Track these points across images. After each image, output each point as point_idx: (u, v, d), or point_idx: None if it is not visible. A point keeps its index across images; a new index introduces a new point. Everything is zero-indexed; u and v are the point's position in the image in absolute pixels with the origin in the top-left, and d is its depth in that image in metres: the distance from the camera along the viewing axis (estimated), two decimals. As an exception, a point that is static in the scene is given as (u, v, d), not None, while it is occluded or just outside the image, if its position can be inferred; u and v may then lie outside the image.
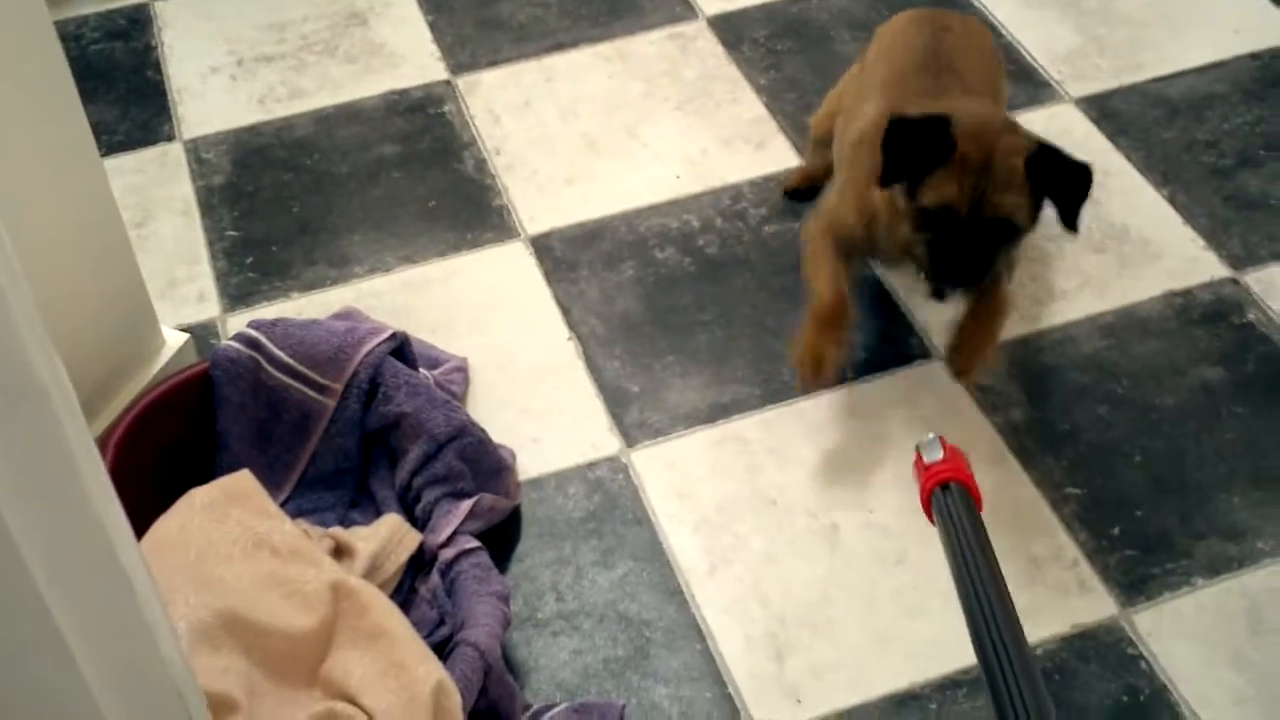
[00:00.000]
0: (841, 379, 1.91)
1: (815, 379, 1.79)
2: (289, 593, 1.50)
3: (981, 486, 1.75)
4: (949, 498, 1.24)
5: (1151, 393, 1.89)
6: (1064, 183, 1.69)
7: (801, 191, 2.19)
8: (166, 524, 1.57)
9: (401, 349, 1.81)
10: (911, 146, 1.66)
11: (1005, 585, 1.13)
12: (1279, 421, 1.85)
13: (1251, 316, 1.98)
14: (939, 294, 1.75)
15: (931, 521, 1.24)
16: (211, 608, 1.44)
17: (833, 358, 1.78)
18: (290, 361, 1.77)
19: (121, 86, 2.48)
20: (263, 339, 1.78)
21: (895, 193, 1.72)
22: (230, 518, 1.58)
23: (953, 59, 1.88)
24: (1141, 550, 1.72)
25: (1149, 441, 1.84)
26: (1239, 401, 1.87)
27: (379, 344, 1.77)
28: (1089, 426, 1.85)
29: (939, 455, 1.29)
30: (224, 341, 1.79)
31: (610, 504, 1.81)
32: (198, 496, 1.60)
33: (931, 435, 1.29)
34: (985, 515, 1.71)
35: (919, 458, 1.30)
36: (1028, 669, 1.03)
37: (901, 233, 1.73)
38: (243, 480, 1.63)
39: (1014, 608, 1.10)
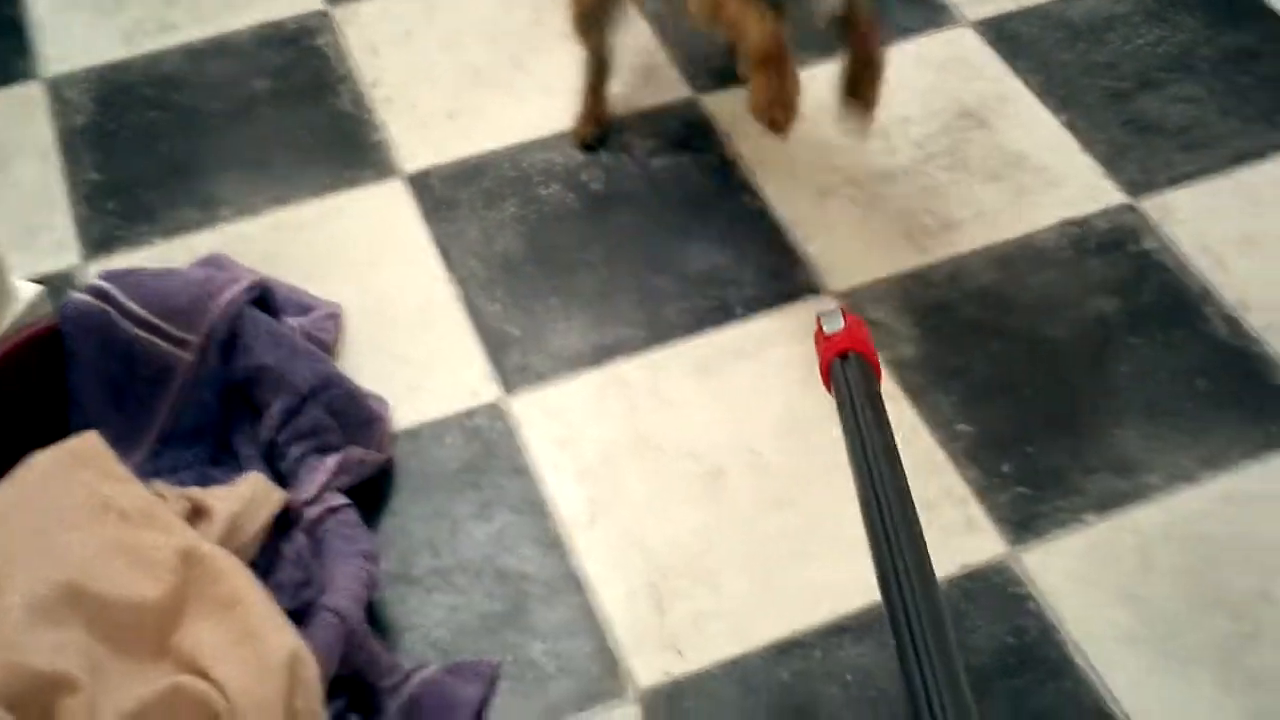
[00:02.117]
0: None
1: (785, 123, 1.69)
2: (136, 560, 1.42)
3: (870, 426, 1.72)
4: (847, 368, 1.21)
5: (1045, 325, 1.84)
6: None
7: (602, 139, 2.09)
8: (6, 490, 1.48)
9: (264, 298, 1.73)
10: None
11: (900, 461, 1.11)
12: (1173, 352, 1.80)
13: (1148, 244, 1.93)
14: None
15: (830, 393, 1.21)
16: (50, 580, 1.36)
17: (792, 96, 1.68)
18: (144, 313, 1.67)
19: (-26, 22, 2.35)
20: (114, 290, 1.68)
21: None
22: (75, 481, 1.49)
23: None
24: (1032, 487, 1.67)
25: (1042, 376, 1.79)
26: (1134, 332, 1.83)
27: (238, 293, 1.68)
28: (981, 362, 1.80)
29: (839, 325, 1.26)
30: (74, 294, 1.70)
31: (489, 453, 1.74)
32: (40, 460, 1.51)
33: (833, 305, 1.27)
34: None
35: (819, 328, 1.27)
36: (920, 561, 1.00)
37: None
38: (89, 441, 1.54)
39: (907, 484, 1.08)
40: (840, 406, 1.19)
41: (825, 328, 1.26)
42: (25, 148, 2.14)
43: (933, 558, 1.56)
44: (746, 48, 1.69)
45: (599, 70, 2.07)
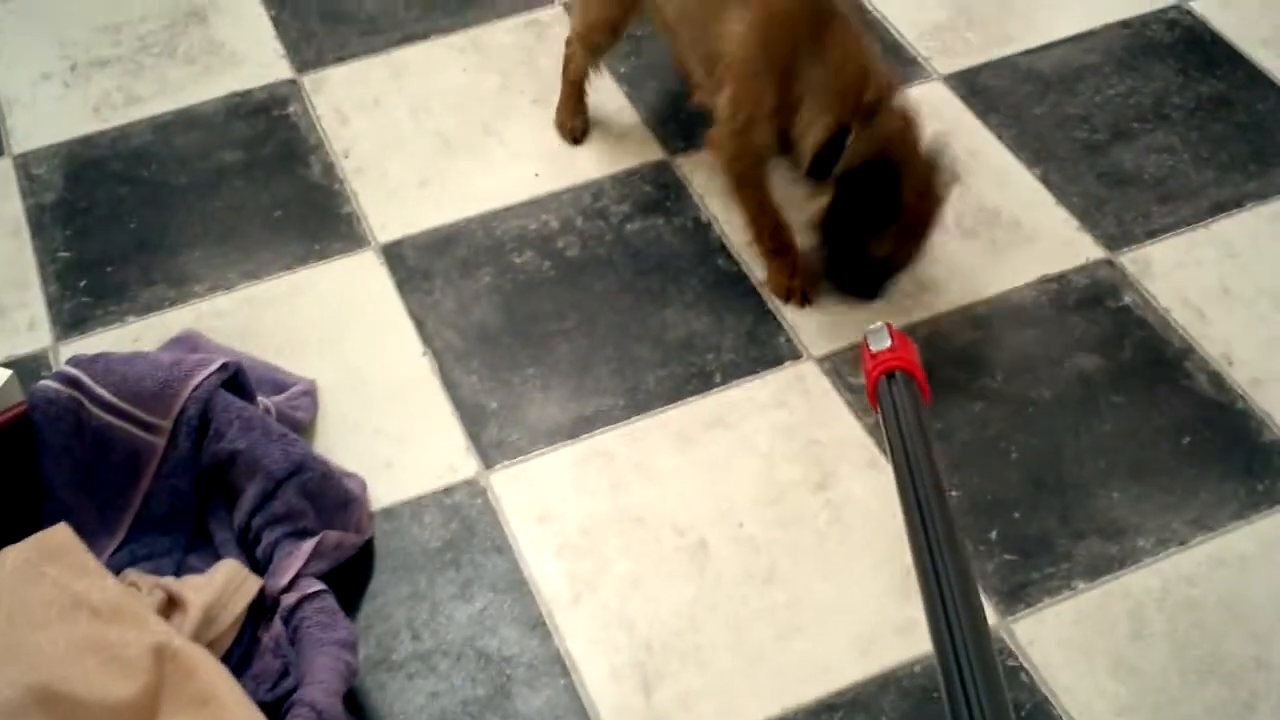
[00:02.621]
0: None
1: (808, 300, 1.93)
2: (109, 659, 1.39)
3: (853, 493, 1.71)
4: (894, 387, 1.19)
5: (1027, 385, 1.82)
6: None
7: (589, 127, 2.20)
8: (-26, 589, 1.44)
9: (236, 378, 1.70)
10: (863, 196, 1.80)
11: (941, 479, 1.10)
12: (1157, 410, 1.79)
13: (1128, 299, 1.92)
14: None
15: (877, 412, 1.21)
16: (19, 684, 1.33)
17: (805, 280, 1.92)
18: (113, 399, 1.65)
19: (-57, 99, 2.33)
20: (83, 376, 1.65)
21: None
22: (45, 578, 1.46)
23: None
24: (1020, 554, 1.65)
25: (1026, 437, 1.77)
26: (1117, 390, 1.81)
27: (208, 376, 1.65)
28: (963, 424, 1.78)
29: (886, 344, 1.24)
30: (42, 381, 1.67)
31: (468, 531, 1.71)
32: (9, 556, 1.48)
33: (879, 323, 1.25)
34: (860, 521, 1.66)
35: (866, 346, 1.26)
36: (961, 565, 1.00)
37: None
38: (58, 534, 1.51)
39: (948, 504, 1.07)
40: (886, 428, 1.18)
41: (871, 345, 1.25)
42: (-5, 226, 2.12)
43: (923, 629, 1.55)
44: (750, 232, 1.96)
45: (584, 79, 2.18)
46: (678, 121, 2.20)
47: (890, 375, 1.21)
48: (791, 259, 1.94)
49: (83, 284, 2.02)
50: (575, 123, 2.18)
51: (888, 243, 1.83)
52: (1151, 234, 2.00)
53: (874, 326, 1.26)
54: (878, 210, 1.79)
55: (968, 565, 1.01)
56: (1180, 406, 1.79)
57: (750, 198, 1.93)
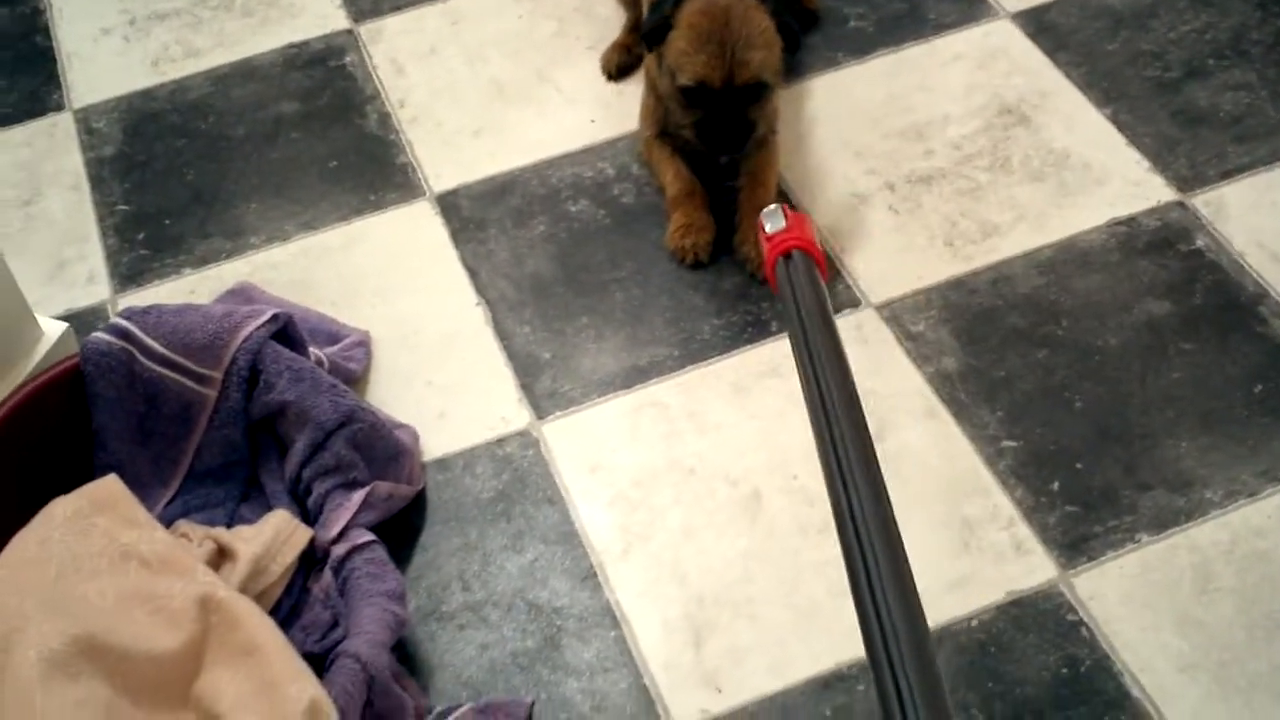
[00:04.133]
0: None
1: (694, 253, 1.88)
2: (155, 609, 1.40)
3: (911, 443, 1.67)
4: (791, 267, 1.17)
5: (1094, 333, 1.77)
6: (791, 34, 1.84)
7: (626, 67, 2.17)
8: (26, 539, 1.45)
9: (287, 330, 1.69)
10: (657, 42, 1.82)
11: (847, 364, 1.07)
12: (1229, 357, 1.73)
13: (1200, 243, 1.85)
14: (716, 158, 1.88)
15: (777, 294, 1.18)
16: (67, 634, 1.33)
17: (701, 241, 1.88)
18: (165, 351, 1.65)
19: (8, 54, 2.34)
20: (134, 329, 1.66)
21: (664, 82, 1.85)
22: (96, 529, 1.47)
23: None
24: (1083, 506, 1.60)
25: (1091, 386, 1.71)
26: (1187, 337, 1.75)
27: (258, 327, 1.65)
28: (1026, 373, 1.73)
29: (781, 224, 1.21)
30: (94, 334, 1.67)
31: (520, 482, 1.70)
32: (60, 507, 1.49)
33: (774, 205, 1.22)
34: (916, 473, 1.63)
35: (761, 228, 1.24)
36: (862, 447, 0.98)
37: (676, 116, 1.86)
38: (109, 486, 1.52)
39: (855, 391, 1.05)
40: (785, 310, 1.15)
41: (767, 227, 1.22)
42: (56, 180, 2.13)
43: (978, 584, 1.52)
44: (666, 195, 1.94)
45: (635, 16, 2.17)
46: (736, 65, 2.15)
47: (788, 256, 1.18)
48: (690, 215, 1.90)
49: (140, 237, 2.02)
50: (617, 56, 2.18)
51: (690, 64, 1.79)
52: (1226, 175, 1.93)
53: (769, 209, 1.23)
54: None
55: (869, 447, 0.99)
56: (1253, 354, 1.73)
57: (662, 160, 1.97)
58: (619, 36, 2.19)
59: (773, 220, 1.23)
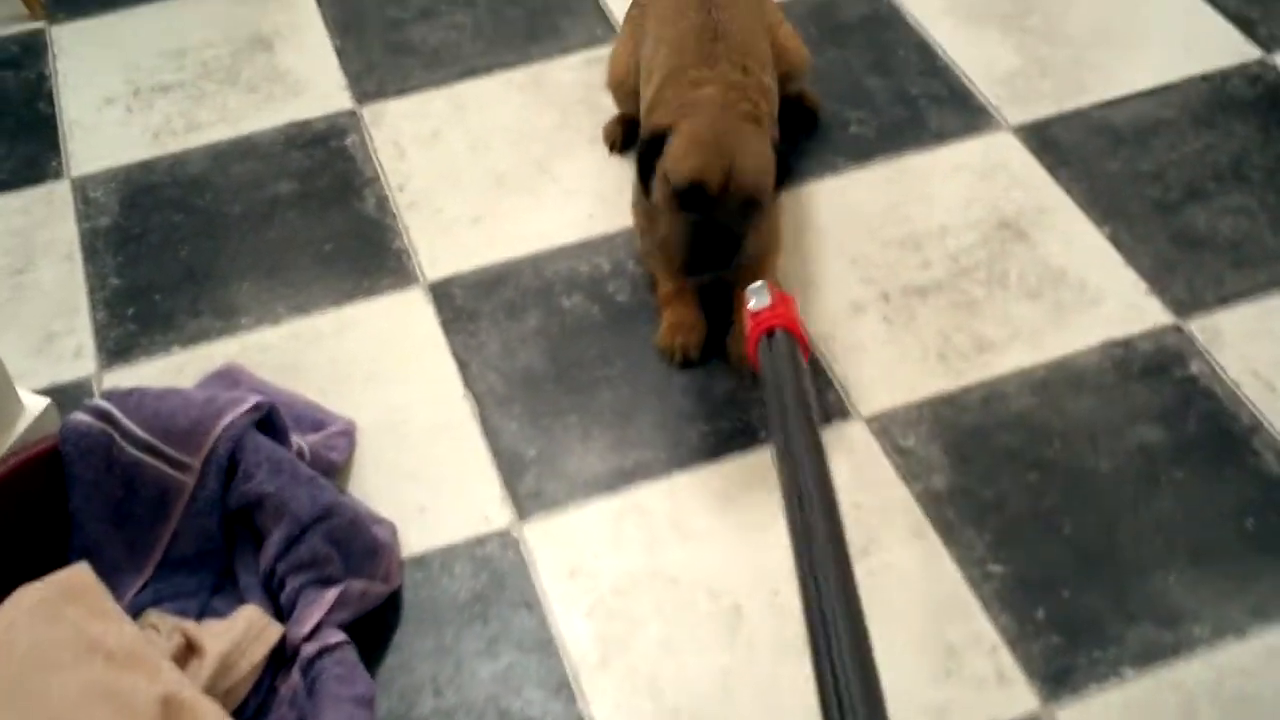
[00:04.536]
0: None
1: (684, 352, 1.88)
2: (119, 708, 1.37)
3: (898, 563, 1.65)
4: (773, 346, 1.15)
5: (1085, 456, 1.75)
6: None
7: (625, 141, 2.19)
8: (-10, 628, 1.43)
9: (270, 417, 1.67)
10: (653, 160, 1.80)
11: (823, 446, 1.08)
12: (1221, 488, 1.71)
13: (1195, 369, 1.84)
14: (699, 275, 1.80)
15: (759, 373, 1.17)
16: (26, 730, 1.30)
17: (692, 340, 1.88)
18: (145, 435, 1.63)
19: (10, 119, 2.34)
20: (115, 411, 1.64)
21: (658, 191, 1.80)
22: (63, 619, 1.44)
23: (724, 25, 1.93)
24: (1068, 636, 1.58)
25: (1081, 512, 1.69)
26: (1179, 466, 1.73)
27: (239, 415, 1.63)
28: (1016, 495, 1.71)
29: (766, 302, 1.20)
30: (74, 414, 1.65)
31: (498, 585, 1.67)
32: (28, 594, 1.46)
33: (760, 281, 1.21)
34: (899, 593, 1.60)
35: (745, 305, 1.24)
36: (834, 529, 1.01)
37: (664, 227, 1.79)
38: (79, 575, 1.49)
39: (830, 480, 1.06)
40: (765, 390, 1.14)
41: (751, 303, 1.21)
42: (50, 249, 2.12)
43: (959, 712, 1.49)
44: (657, 288, 1.94)
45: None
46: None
47: (770, 334, 1.17)
48: (680, 314, 1.90)
49: (130, 312, 2.01)
50: (618, 130, 2.20)
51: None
52: (1223, 300, 1.92)
53: (754, 285, 1.23)
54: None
55: (840, 531, 1.00)
56: (1245, 486, 1.71)
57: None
58: (617, 116, 2.20)
59: (758, 297, 1.22)
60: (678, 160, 1.75)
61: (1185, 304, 1.91)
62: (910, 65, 2.29)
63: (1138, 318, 1.90)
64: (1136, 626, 1.58)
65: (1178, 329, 1.89)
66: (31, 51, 2.47)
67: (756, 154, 1.75)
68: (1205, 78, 2.23)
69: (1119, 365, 1.85)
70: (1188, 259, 1.97)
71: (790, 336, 1.18)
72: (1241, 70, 2.24)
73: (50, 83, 2.40)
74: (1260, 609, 1.59)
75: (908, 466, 1.75)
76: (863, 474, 1.74)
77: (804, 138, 2.18)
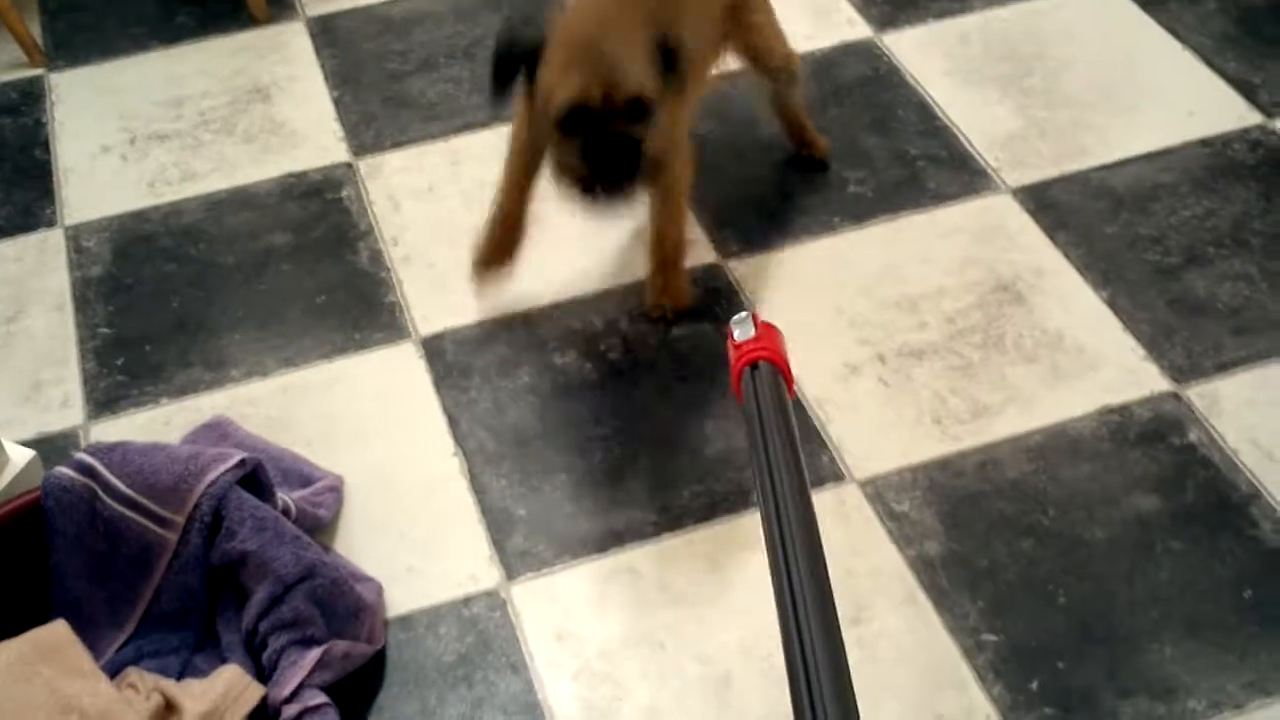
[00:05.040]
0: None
1: (484, 281, 1.98)
2: (91, 770, 1.34)
3: (889, 628, 1.62)
4: (756, 378, 1.13)
5: (1081, 525, 1.73)
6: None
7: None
8: (-36, 686, 1.40)
9: (255, 474, 1.65)
10: (517, 56, 1.72)
11: (806, 483, 1.05)
12: (1218, 560, 1.68)
13: (1193, 437, 1.82)
14: (609, 194, 1.73)
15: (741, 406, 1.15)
16: (-5, 794, 1.27)
17: (502, 267, 1.98)
18: (128, 491, 1.61)
19: (6, 166, 2.34)
20: (99, 466, 1.62)
21: (540, 123, 1.72)
22: (38, 678, 1.42)
23: None
24: (1061, 709, 1.55)
25: (1076, 581, 1.67)
26: (1176, 536, 1.71)
27: (224, 472, 1.61)
28: (1011, 563, 1.69)
29: (750, 333, 1.18)
30: (57, 469, 1.63)
31: (484, 646, 1.65)
32: (2, 651, 1.44)
33: (745, 312, 1.19)
34: (891, 660, 1.57)
35: (730, 336, 1.21)
36: (816, 569, 0.98)
37: (558, 155, 1.73)
38: (56, 632, 1.47)
39: (813, 515, 1.03)
40: (748, 422, 1.12)
41: (736, 335, 1.19)
42: (41, 298, 2.10)
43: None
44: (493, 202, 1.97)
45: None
46: (734, 225, 2.14)
47: (754, 366, 1.15)
48: (504, 245, 1.97)
49: (120, 362, 1.99)
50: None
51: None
52: (1222, 367, 1.90)
53: (739, 316, 1.21)
54: None
55: (823, 569, 0.98)
56: (1243, 557, 1.68)
57: (509, 172, 1.96)
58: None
59: (742, 328, 1.21)
60: (552, 86, 1.66)
61: (1184, 371, 1.90)
62: (909, 125, 2.28)
63: (1135, 384, 1.88)
64: (1131, 700, 1.55)
65: (1176, 396, 1.87)
66: (30, 98, 2.47)
67: (632, 49, 1.65)
68: (1205, 142, 2.23)
69: (1116, 432, 1.83)
70: (1187, 325, 1.96)
71: (775, 369, 1.16)
72: (1242, 135, 2.23)
73: (47, 129, 2.40)
74: (1259, 684, 1.56)
75: (901, 532, 1.72)
76: (856, 539, 1.72)
77: (808, 191, 2.17)
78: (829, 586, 0.96)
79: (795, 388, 1.22)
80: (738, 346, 1.19)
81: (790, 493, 1.02)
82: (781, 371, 1.17)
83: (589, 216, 1.84)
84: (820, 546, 1.00)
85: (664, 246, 1.98)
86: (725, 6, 1.97)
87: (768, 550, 0.98)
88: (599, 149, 1.67)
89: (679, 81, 1.72)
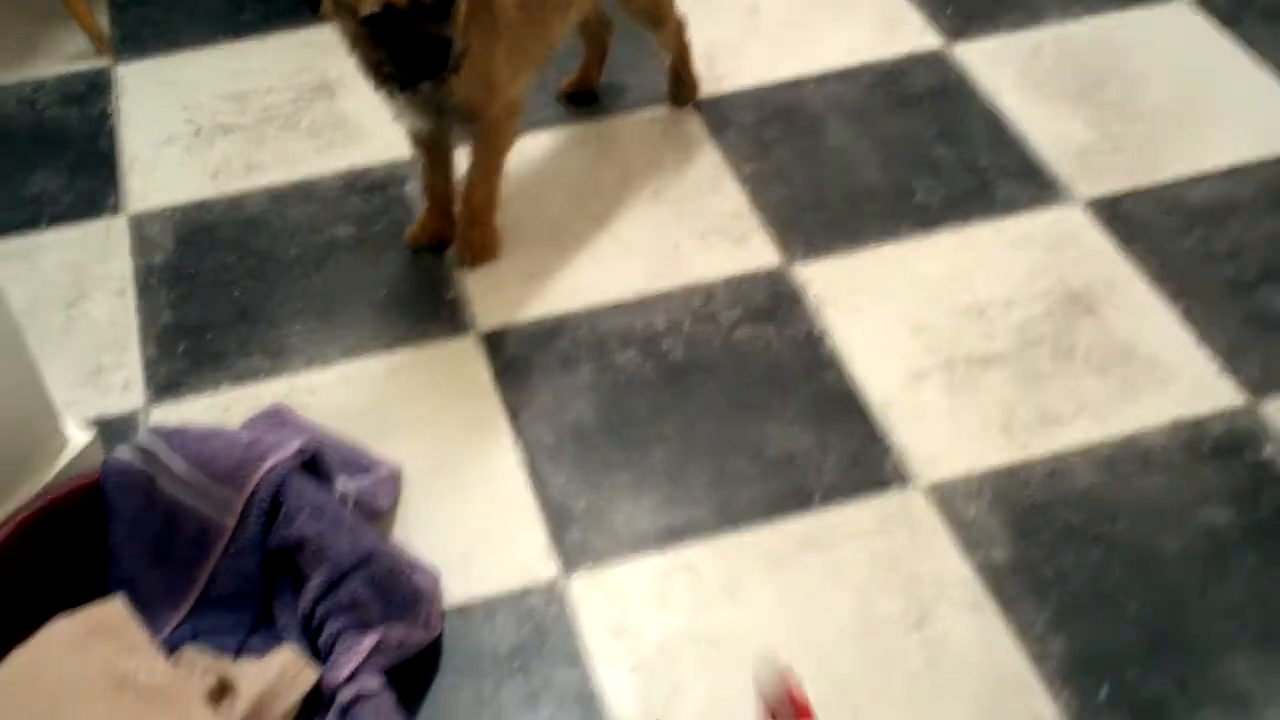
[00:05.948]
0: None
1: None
2: (146, 743, 1.32)
3: (953, 634, 1.59)
4: None
5: (1152, 536, 1.69)
6: None
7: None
8: (22, 658, 1.40)
9: (314, 460, 1.64)
10: None
11: None
12: (1293, 574, 1.64)
13: (1268, 452, 1.78)
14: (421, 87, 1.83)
15: None
16: (51, 762, 1.26)
17: (433, 242, 2.10)
18: (187, 475, 1.60)
19: (71, 155, 2.35)
20: (158, 449, 1.61)
21: (349, 29, 1.78)
22: (95, 653, 1.41)
23: None
24: (1131, 718, 1.51)
25: (1146, 591, 1.63)
26: (1249, 549, 1.67)
27: (284, 459, 1.60)
28: (1079, 572, 1.65)
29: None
30: (117, 451, 1.63)
31: (541, 638, 1.62)
32: (60, 628, 1.43)
33: (782, 674, 1.24)
34: (955, 667, 1.55)
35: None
36: None
37: (372, 60, 1.80)
38: (113, 609, 1.46)
39: None
40: None
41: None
42: (103, 283, 2.11)
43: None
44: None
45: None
46: (800, 228, 2.12)
47: None
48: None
49: (181, 348, 1.99)
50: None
51: None
52: (1299, 384, 1.86)
53: (774, 677, 1.27)
54: None
55: None
56: (1319, 573, 1.65)
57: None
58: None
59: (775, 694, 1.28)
60: None
61: (1260, 385, 1.86)
62: (978, 136, 2.26)
63: (1209, 397, 1.84)
64: (1203, 711, 1.51)
65: (1250, 411, 1.83)
66: (96, 88, 2.48)
67: None
68: (1281, 159, 2.19)
69: (1188, 445, 1.79)
70: (1262, 340, 1.92)
71: None
72: (1318, 154, 2.20)
73: (112, 120, 2.41)
74: (1334, 701, 1.52)
75: (967, 538, 1.69)
76: (920, 544, 1.69)
77: (874, 198, 2.15)
78: None
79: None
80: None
81: None
82: None
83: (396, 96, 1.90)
84: None
85: (471, 200, 2.06)
86: None
87: None
88: (409, 49, 1.74)
89: None
